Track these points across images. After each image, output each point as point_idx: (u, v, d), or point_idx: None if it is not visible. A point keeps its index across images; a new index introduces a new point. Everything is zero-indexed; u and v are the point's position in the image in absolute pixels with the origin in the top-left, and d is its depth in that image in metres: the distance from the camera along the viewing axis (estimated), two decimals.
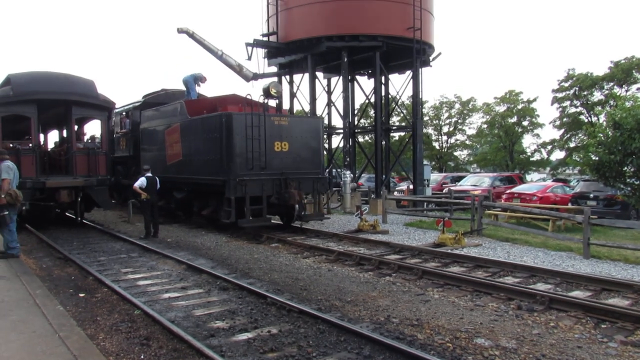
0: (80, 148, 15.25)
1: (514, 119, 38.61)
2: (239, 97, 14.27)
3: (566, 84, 33.16)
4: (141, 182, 13.02)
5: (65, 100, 14.56)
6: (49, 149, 17.86)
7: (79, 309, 6.77)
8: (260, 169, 12.68)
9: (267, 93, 13.17)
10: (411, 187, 21.94)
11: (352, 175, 19.29)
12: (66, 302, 6.99)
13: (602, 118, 27.15)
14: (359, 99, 28.14)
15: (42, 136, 18.12)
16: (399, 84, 71.27)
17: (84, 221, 15.62)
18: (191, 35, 20.10)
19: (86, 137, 17.91)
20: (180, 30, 20.03)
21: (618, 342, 5.55)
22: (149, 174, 13.25)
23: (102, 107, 15.44)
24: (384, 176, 20.81)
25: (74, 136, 15.10)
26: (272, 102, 13.96)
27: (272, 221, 14.08)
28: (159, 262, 10.00)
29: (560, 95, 33.80)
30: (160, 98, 18.22)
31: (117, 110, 19.59)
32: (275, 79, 19.95)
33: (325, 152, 14.73)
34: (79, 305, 6.93)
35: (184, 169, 14.57)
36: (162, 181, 14.76)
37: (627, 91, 29.78)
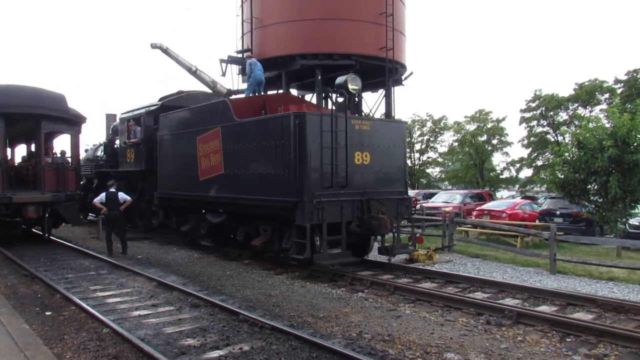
0: (48, 163, 14.95)
1: (484, 138, 39.52)
2: (290, 96, 12.19)
3: (533, 104, 34.19)
4: (100, 197, 13.02)
5: (34, 114, 14.30)
6: (16, 164, 17.44)
7: (45, 327, 6.62)
8: (340, 187, 9.87)
9: (343, 89, 10.34)
10: None
11: None
12: (32, 321, 6.82)
13: (567, 138, 28.03)
14: None
15: (9, 150, 17.69)
16: (372, 102, 72.17)
17: (51, 237, 15.24)
18: (165, 51, 20.00)
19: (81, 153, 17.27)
20: (153, 46, 19.91)
21: (582, 355, 5.72)
22: (112, 190, 13.11)
23: (72, 122, 15.21)
24: None
25: (43, 151, 14.82)
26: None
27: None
28: (128, 279, 9.83)
29: (527, 115, 34.80)
30: (182, 100, 15.61)
31: (123, 116, 17.14)
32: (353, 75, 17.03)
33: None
34: (45, 324, 6.77)
35: (225, 186, 11.61)
36: (189, 201, 13.06)
37: (590, 112, 30.86)
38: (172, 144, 13.95)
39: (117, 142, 18.10)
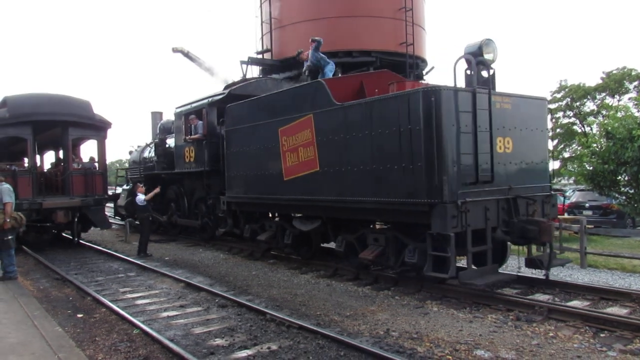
0: (76, 168, 15.27)
1: None
2: (392, 74, 10.57)
3: (558, 95, 33.51)
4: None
5: (62, 121, 14.63)
6: (45, 170, 17.86)
7: (77, 329, 6.75)
8: (484, 183, 7.92)
9: (479, 57, 8.06)
10: None
11: None
12: (64, 323, 6.97)
13: (595, 128, 27.42)
14: None
15: (38, 157, 18.13)
16: None
17: (81, 241, 15.57)
18: (186, 54, 20.24)
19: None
20: (175, 50, 20.16)
21: (617, 350, 5.57)
22: (137, 193, 13.62)
23: (98, 127, 15.50)
24: None
25: (71, 156, 15.14)
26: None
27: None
28: (157, 280, 9.97)
29: (553, 106, 34.10)
30: (250, 88, 13.54)
31: (179, 111, 15.19)
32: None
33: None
34: (77, 326, 6.91)
35: (321, 186, 9.53)
36: (269, 205, 11.55)
37: (619, 101, 30.12)
38: (244, 139, 11.78)
39: (169, 141, 16.72)
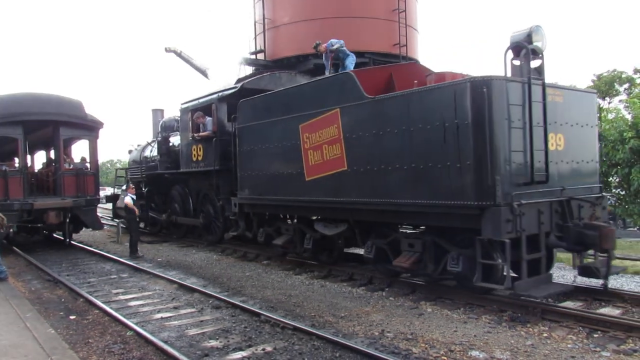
0: (68, 169, 15.16)
1: None
2: (422, 67, 10.11)
3: None
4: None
5: (53, 120, 14.52)
6: (36, 170, 17.72)
7: (70, 331, 6.70)
8: (537, 183, 7.21)
9: (528, 45, 7.34)
10: None
11: None
12: (57, 325, 6.91)
13: None
14: None
15: (29, 157, 17.97)
16: None
17: (72, 242, 15.45)
18: (179, 55, 20.16)
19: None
20: (168, 50, 20.06)
21: (610, 351, 5.61)
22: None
23: (90, 127, 15.39)
24: None
25: (62, 157, 15.02)
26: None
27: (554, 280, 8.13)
28: (150, 282, 9.92)
29: None
30: (264, 82, 12.78)
31: (185, 106, 14.29)
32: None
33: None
34: (70, 328, 6.85)
35: (349, 187, 8.74)
36: (288, 207, 10.81)
37: (609, 103, 30.38)
38: (259, 136, 10.99)
39: (172, 139, 16.14)
